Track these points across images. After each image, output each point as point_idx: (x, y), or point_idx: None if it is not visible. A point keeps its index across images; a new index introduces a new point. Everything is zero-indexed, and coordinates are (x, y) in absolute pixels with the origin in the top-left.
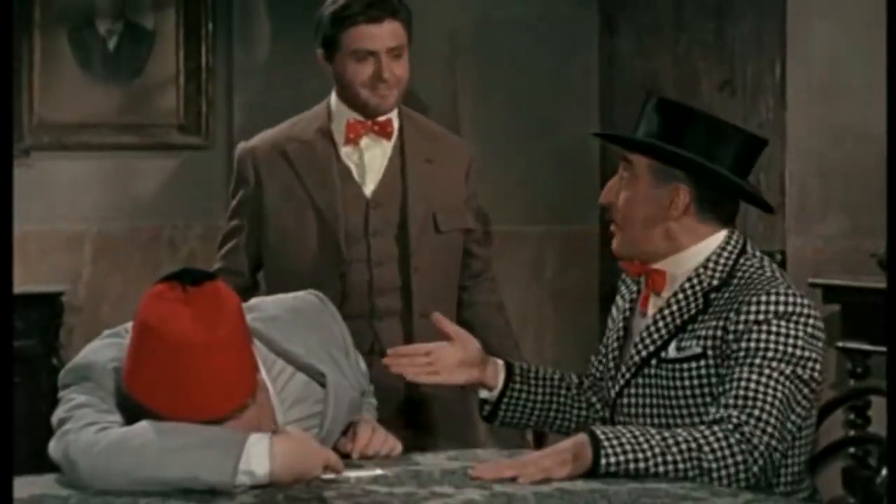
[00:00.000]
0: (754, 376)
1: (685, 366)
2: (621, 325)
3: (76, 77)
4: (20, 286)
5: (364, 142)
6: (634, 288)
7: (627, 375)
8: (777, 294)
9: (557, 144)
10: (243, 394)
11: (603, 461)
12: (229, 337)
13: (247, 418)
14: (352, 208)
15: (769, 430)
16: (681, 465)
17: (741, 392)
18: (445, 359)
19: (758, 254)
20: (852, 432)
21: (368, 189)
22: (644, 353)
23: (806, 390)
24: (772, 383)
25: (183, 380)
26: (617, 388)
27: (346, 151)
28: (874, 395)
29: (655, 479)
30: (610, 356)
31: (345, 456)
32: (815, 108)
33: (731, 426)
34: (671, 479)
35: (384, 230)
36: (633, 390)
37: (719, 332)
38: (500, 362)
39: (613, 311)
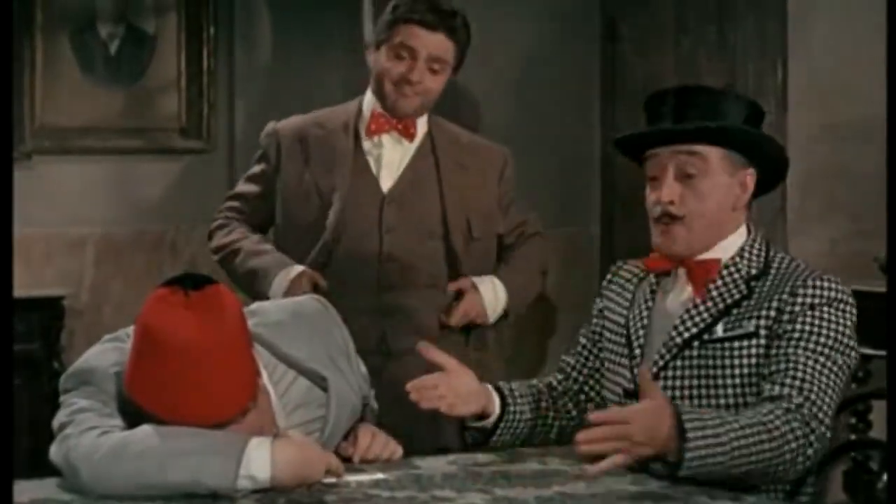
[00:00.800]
0: (811, 361)
1: (736, 344)
2: (645, 314)
3: (78, 80)
4: (22, 289)
5: (385, 138)
6: (631, 285)
7: (667, 357)
8: (829, 281)
9: (559, 146)
10: (245, 398)
11: (686, 464)
12: (231, 341)
13: (248, 422)
14: (365, 203)
15: (820, 415)
16: (756, 463)
17: (798, 374)
18: (457, 389)
19: (779, 250)
20: (854, 437)
21: (385, 185)
22: (686, 335)
23: (846, 380)
24: (825, 371)
25: (184, 384)
26: (655, 369)
27: (367, 147)
28: (876, 400)
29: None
30: (635, 344)
31: (346, 460)
32: (816, 110)
33: (792, 406)
34: (742, 472)
35: (398, 227)
36: (670, 372)
37: (773, 313)
38: (490, 387)
39: (600, 310)
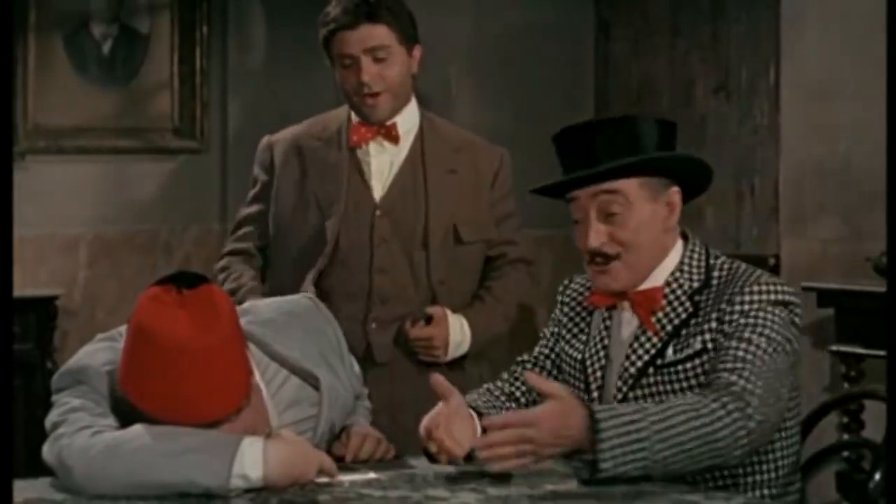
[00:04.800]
0: (743, 345)
1: (688, 365)
2: (602, 353)
3: (71, 81)
4: (15, 290)
5: (372, 146)
6: (585, 312)
7: (625, 388)
8: (768, 285)
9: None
10: (238, 397)
11: (603, 455)
12: (224, 340)
13: (241, 422)
14: (359, 214)
15: (758, 391)
16: (686, 447)
17: (729, 358)
18: (463, 434)
19: (717, 252)
20: (846, 436)
21: (377, 195)
22: (639, 363)
23: (791, 375)
24: (759, 352)
25: (178, 383)
26: (616, 402)
27: (359, 155)
28: (868, 399)
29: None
30: (593, 386)
31: (339, 459)
32: (809, 111)
33: (723, 385)
34: (677, 461)
35: (390, 238)
36: (633, 402)
37: (714, 325)
38: (474, 416)
39: (556, 330)
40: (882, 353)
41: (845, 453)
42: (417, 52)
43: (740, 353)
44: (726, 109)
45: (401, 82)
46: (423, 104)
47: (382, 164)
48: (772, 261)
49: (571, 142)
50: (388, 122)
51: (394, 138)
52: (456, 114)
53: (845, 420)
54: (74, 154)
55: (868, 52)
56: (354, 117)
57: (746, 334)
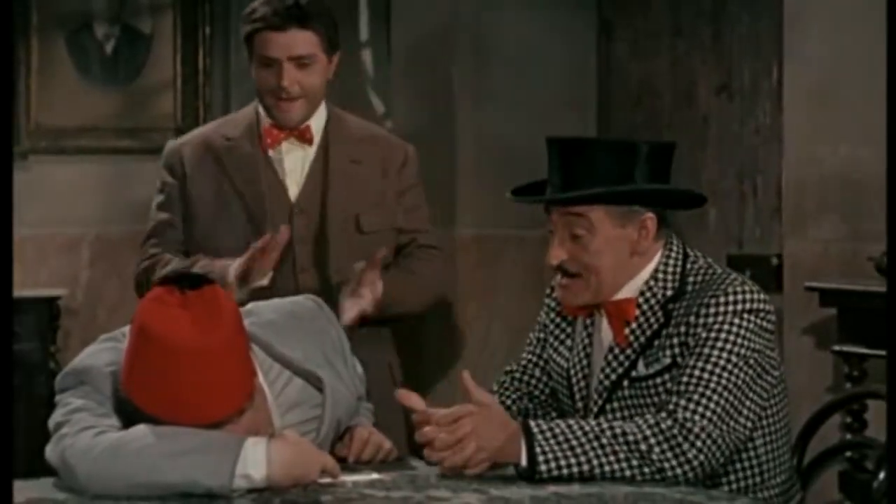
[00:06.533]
0: (700, 363)
1: (658, 380)
2: (585, 362)
3: (73, 81)
4: (17, 290)
5: (285, 146)
6: (571, 318)
7: (600, 402)
8: (734, 293)
9: None
10: (241, 398)
11: (537, 476)
12: (227, 341)
13: (244, 422)
14: (278, 212)
15: (708, 413)
16: (624, 464)
17: (684, 380)
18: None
19: (698, 254)
20: (849, 436)
21: (293, 194)
22: (613, 377)
23: (760, 381)
24: (717, 370)
25: (180, 384)
26: (592, 416)
27: (272, 154)
28: (871, 399)
29: (602, 477)
30: (577, 397)
31: (341, 460)
32: (812, 112)
33: (665, 413)
34: (616, 477)
35: (307, 237)
36: (609, 415)
37: (682, 338)
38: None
39: (543, 337)
40: (885, 352)
41: (848, 453)
42: (336, 58)
43: (696, 373)
44: (729, 110)
45: (319, 89)
46: (423, 104)
47: (295, 162)
48: (774, 260)
49: (554, 155)
50: (302, 126)
51: (308, 140)
52: (458, 114)
53: (848, 420)
54: (77, 154)
55: (871, 52)
56: (265, 119)
57: (706, 350)
